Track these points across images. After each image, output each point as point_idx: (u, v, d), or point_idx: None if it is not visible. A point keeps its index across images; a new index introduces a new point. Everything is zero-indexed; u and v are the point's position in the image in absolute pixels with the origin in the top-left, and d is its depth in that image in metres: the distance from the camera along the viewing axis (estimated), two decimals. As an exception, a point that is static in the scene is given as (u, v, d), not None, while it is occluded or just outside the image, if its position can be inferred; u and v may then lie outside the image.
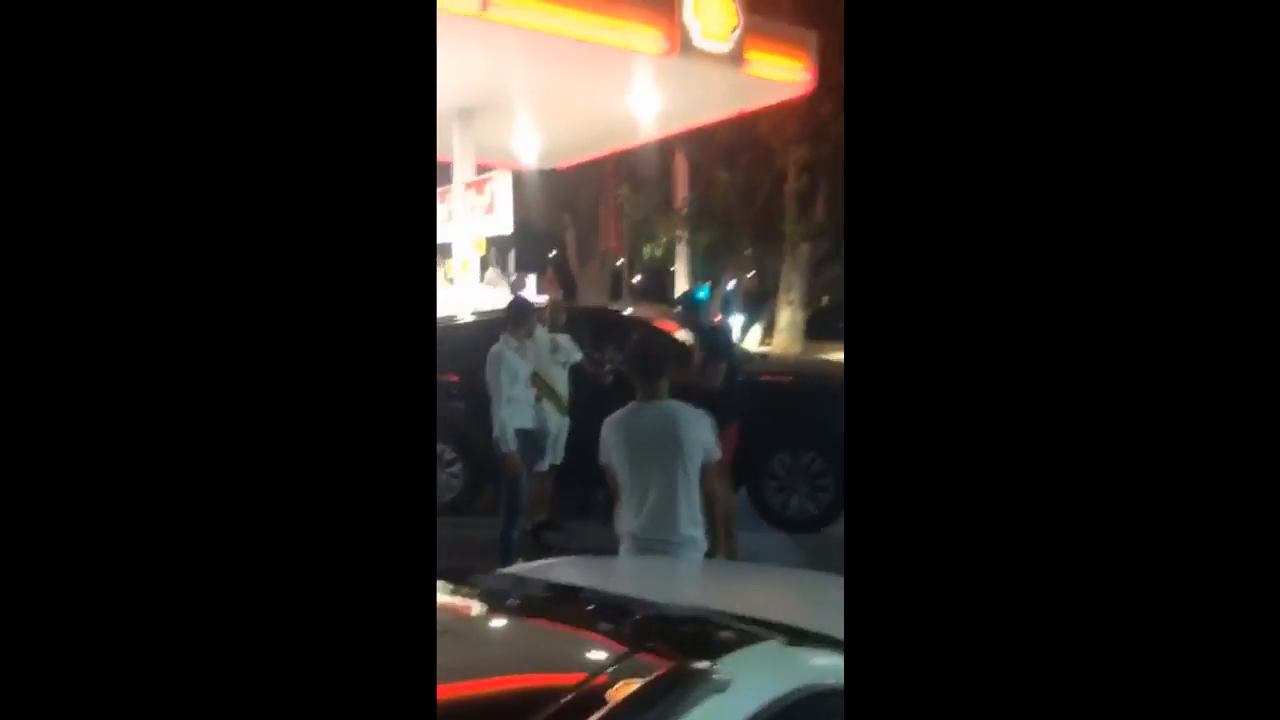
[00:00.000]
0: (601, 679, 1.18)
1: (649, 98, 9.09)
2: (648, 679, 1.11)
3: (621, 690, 1.09)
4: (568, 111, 9.58)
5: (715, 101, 9.20)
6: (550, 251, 15.05)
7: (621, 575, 2.52)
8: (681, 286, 13.23)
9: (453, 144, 9.12)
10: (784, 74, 8.42)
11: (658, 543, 2.55)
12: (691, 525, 2.58)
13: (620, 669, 1.22)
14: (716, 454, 2.63)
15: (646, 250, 13.39)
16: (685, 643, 1.42)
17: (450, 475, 5.43)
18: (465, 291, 8.96)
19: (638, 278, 16.82)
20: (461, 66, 8.24)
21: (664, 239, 12.95)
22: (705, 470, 2.63)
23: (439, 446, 5.46)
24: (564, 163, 12.57)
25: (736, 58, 7.91)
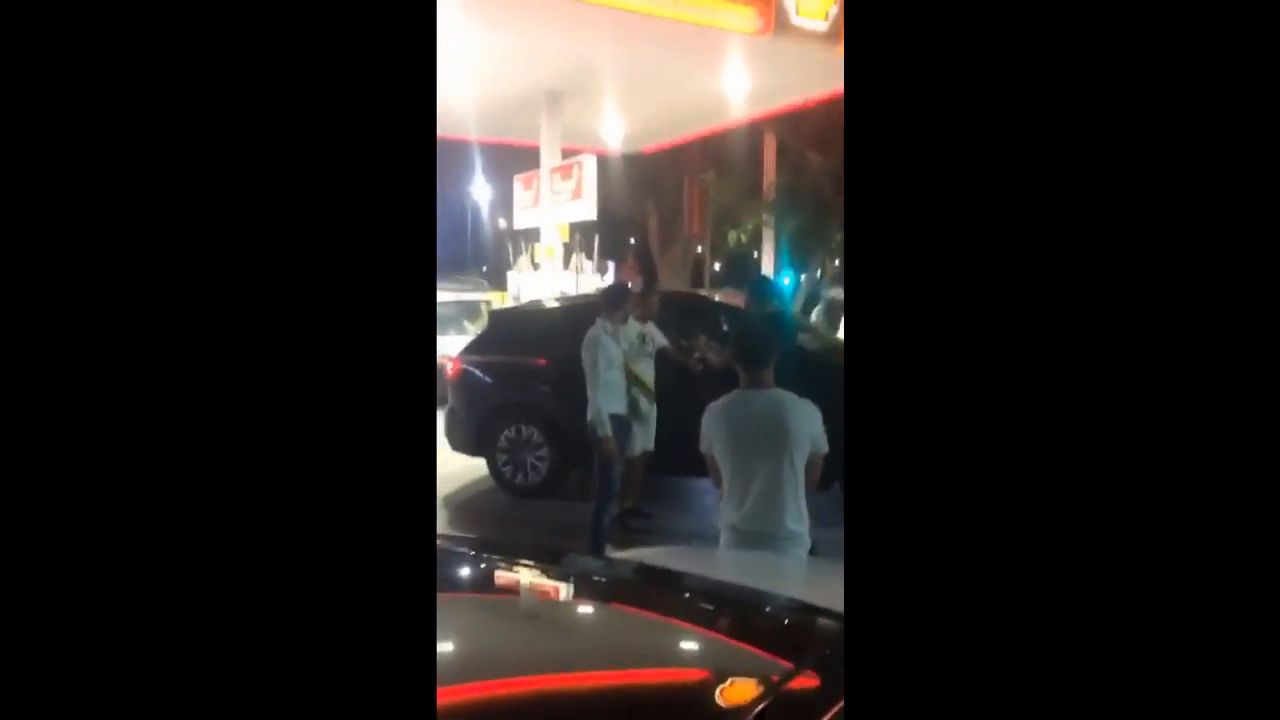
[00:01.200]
0: (734, 684, 1.08)
1: (740, 78, 8.87)
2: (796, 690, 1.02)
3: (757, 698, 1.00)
4: (656, 93, 9.46)
5: (809, 82, 8.91)
6: (631, 238, 14.96)
7: (726, 569, 2.39)
8: (767, 275, 12.97)
9: (539, 128, 9.16)
10: (882, 52, 8.04)
11: (760, 536, 2.42)
12: (797, 520, 2.44)
13: (755, 673, 1.12)
14: (825, 446, 2.47)
15: (731, 236, 13.14)
16: (815, 642, 1.31)
17: (537, 459, 5.41)
18: (550, 277, 8.98)
19: (718, 265, 16.60)
20: (550, 49, 8.23)
21: (749, 225, 12.68)
22: (812, 463, 2.47)
23: (528, 429, 5.46)
24: (649, 146, 12.46)
25: (834, 36, 7.60)
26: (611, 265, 11.44)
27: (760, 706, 0.96)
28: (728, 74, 8.75)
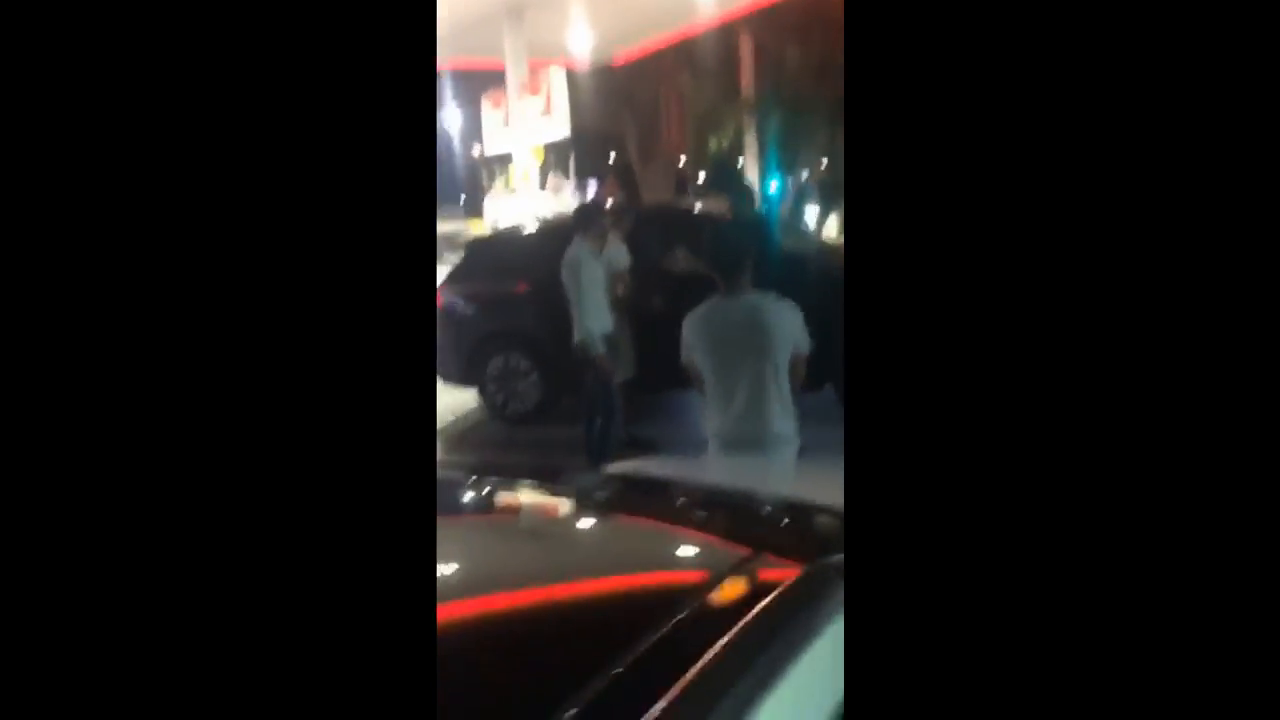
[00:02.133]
0: (731, 582, 1.09)
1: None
2: (790, 582, 1.04)
3: (754, 593, 1.02)
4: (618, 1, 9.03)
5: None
6: (610, 153, 14.55)
7: (717, 473, 2.38)
8: (752, 181, 12.68)
9: (503, 46, 8.76)
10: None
11: (748, 440, 2.38)
12: (784, 421, 2.40)
13: (748, 570, 1.13)
14: (808, 345, 2.41)
15: (712, 143, 12.77)
16: (812, 539, 1.31)
17: (530, 385, 5.38)
18: (528, 200, 8.75)
19: (702, 175, 16.27)
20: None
21: (730, 130, 12.31)
22: (795, 363, 2.42)
23: (515, 357, 5.41)
24: (620, 57, 11.98)
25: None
26: (592, 183, 11.16)
27: (760, 605, 0.97)
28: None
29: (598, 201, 4.86)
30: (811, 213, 11.59)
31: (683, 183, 14.31)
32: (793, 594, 1.02)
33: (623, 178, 11.56)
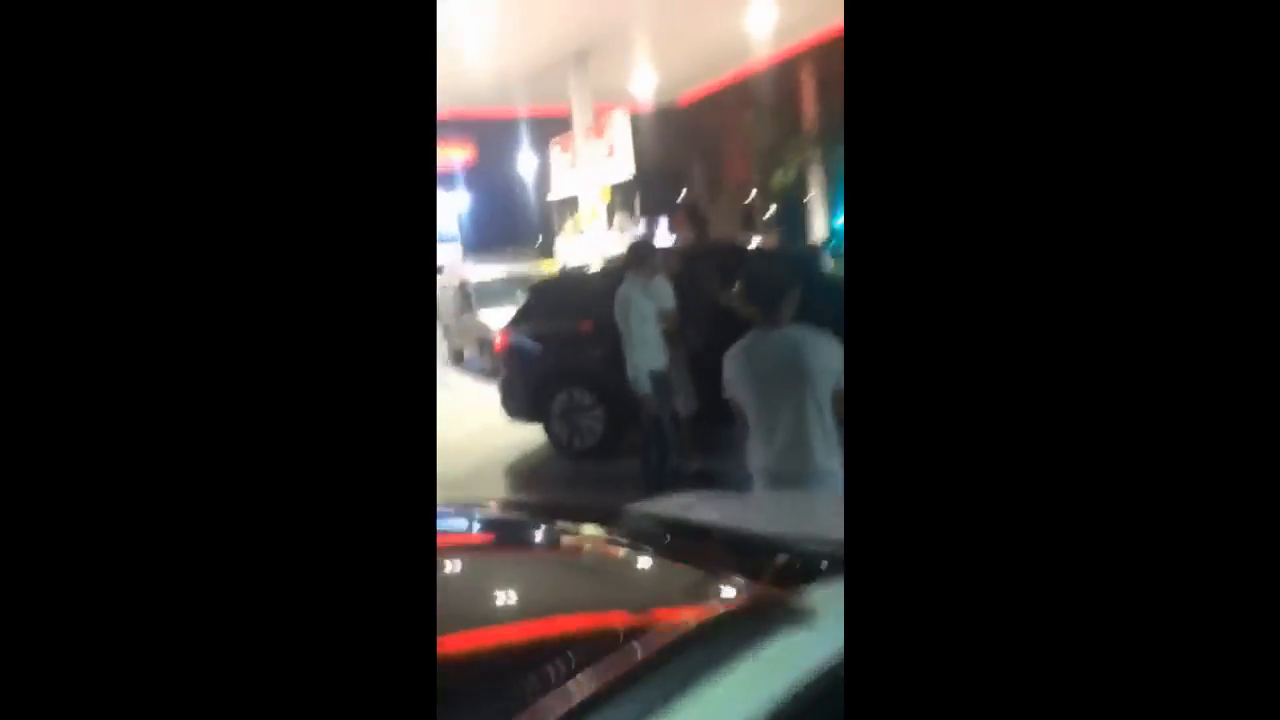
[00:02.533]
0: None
1: (762, 13, 8.60)
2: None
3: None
4: (680, 40, 9.24)
5: (831, 8, 8.52)
6: (680, 191, 14.77)
7: (754, 511, 2.41)
8: (819, 214, 12.66)
9: (569, 90, 9.08)
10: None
11: (792, 476, 2.41)
12: (827, 456, 2.42)
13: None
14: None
15: (776, 177, 12.83)
16: (774, 571, 1.31)
17: (594, 420, 5.49)
18: (596, 240, 8.98)
19: (772, 208, 16.28)
20: (571, 7, 8.13)
21: (793, 164, 12.34)
22: (838, 398, 2.45)
23: (579, 393, 5.54)
24: (684, 97, 12.22)
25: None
26: (661, 221, 11.33)
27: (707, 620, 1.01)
28: (751, 12, 8.49)
29: (648, 239, 4.96)
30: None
31: (749, 218, 14.39)
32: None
33: (692, 214, 11.70)
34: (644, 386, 4.11)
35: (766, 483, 2.48)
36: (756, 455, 2.50)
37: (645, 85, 10.53)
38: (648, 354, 4.15)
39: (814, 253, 5.55)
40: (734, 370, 2.50)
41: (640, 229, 8.97)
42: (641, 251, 4.37)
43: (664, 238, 7.72)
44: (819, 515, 2.36)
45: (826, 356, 2.40)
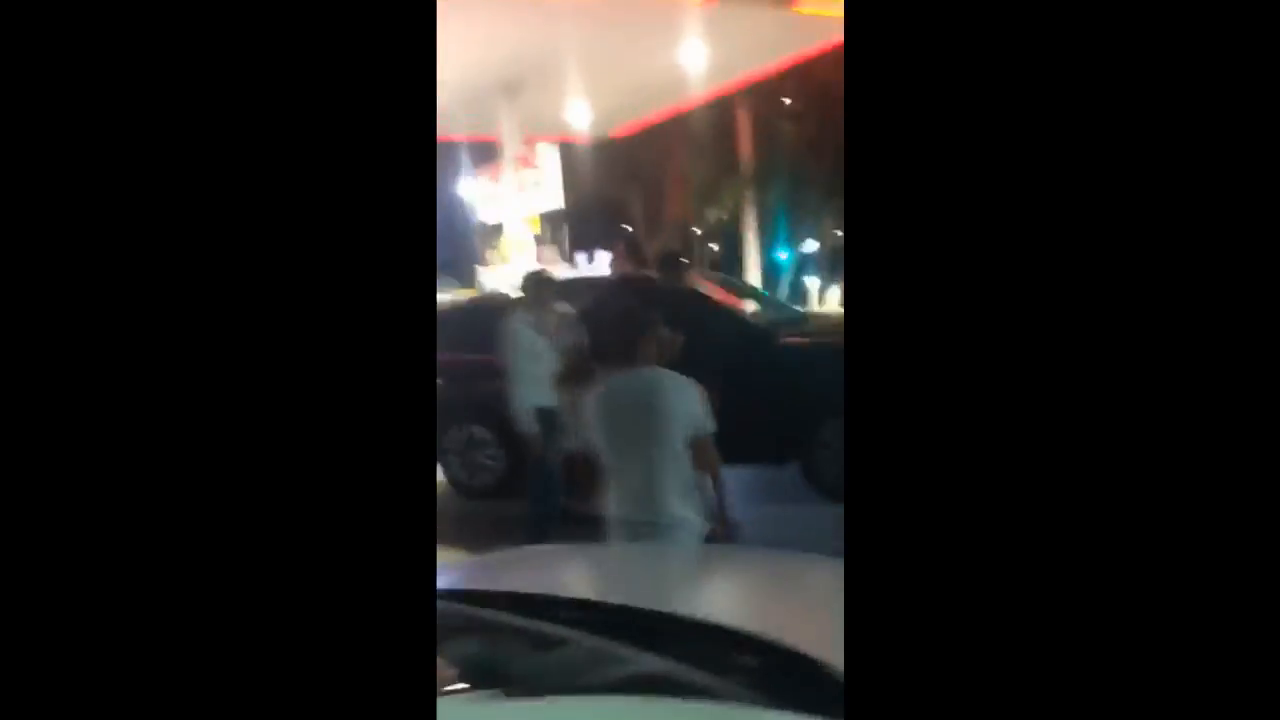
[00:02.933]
0: None
1: (696, 50, 8.61)
2: None
3: None
4: (614, 74, 9.21)
5: (767, 47, 8.64)
6: (618, 224, 14.69)
7: (610, 563, 2.20)
8: (752, 251, 12.68)
9: (500, 120, 8.96)
10: (837, 8, 7.75)
11: (644, 526, 2.22)
12: (682, 505, 2.23)
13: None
14: (709, 425, 2.27)
15: (712, 215, 12.87)
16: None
17: (488, 458, 5.24)
18: (520, 270, 8.78)
19: (712, 246, 16.32)
20: (500, 39, 8.03)
21: (729, 203, 12.39)
22: (698, 445, 2.27)
23: (479, 429, 5.30)
24: (620, 130, 12.21)
25: (782, -3, 7.32)
26: (598, 254, 11.22)
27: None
28: (683, 47, 8.50)
29: (543, 270, 4.77)
30: (812, 284, 11.50)
31: (683, 254, 14.39)
32: None
33: (630, 247, 11.61)
34: (529, 425, 3.89)
35: (619, 531, 2.29)
36: (610, 501, 2.31)
37: (579, 117, 10.48)
38: (533, 391, 3.94)
39: (733, 294, 5.46)
40: (592, 413, 2.33)
41: (565, 261, 8.81)
42: (534, 283, 4.18)
43: (601, 269, 7.54)
44: (673, 567, 2.17)
45: (681, 402, 2.23)
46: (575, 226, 10.78)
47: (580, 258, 9.05)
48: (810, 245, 13.68)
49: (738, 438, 4.53)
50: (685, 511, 2.24)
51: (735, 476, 4.91)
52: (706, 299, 4.97)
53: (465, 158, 10.33)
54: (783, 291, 12.26)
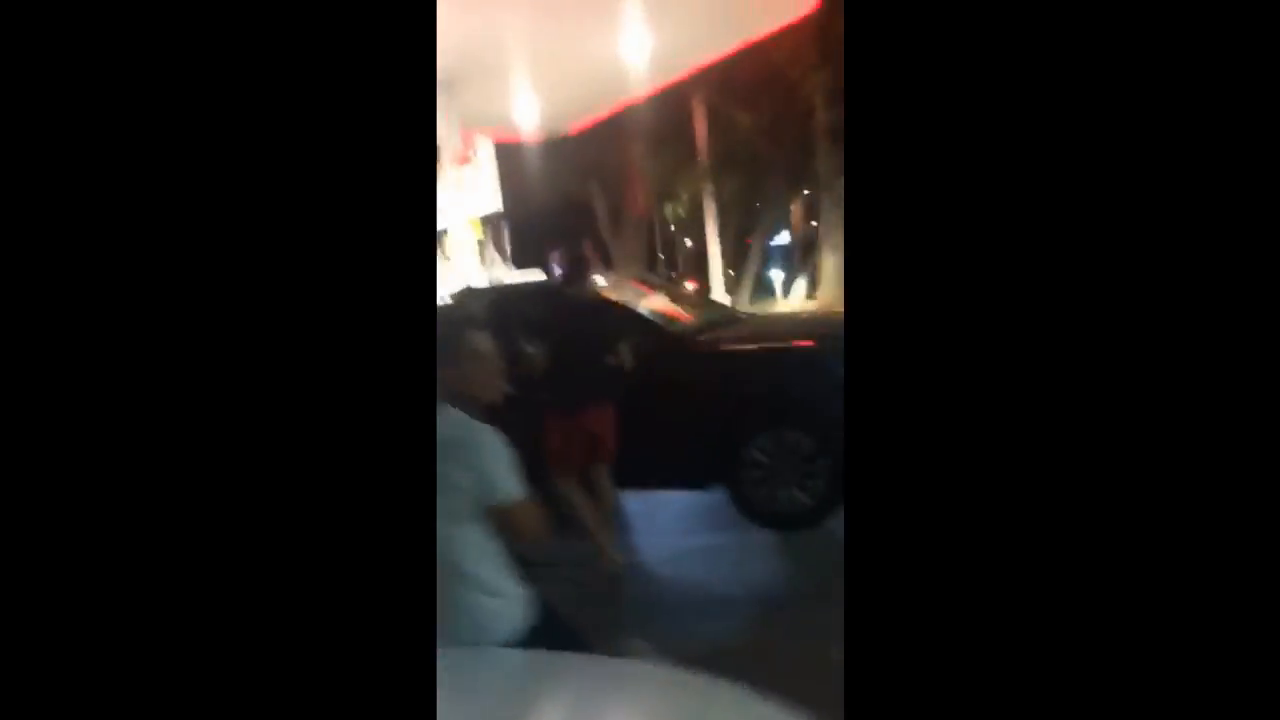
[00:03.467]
0: None
1: (644, 39, 8.22)
2: None
3: None
4: (561, 67, 8.83)
5: (718, 33, 8.28)
6: (569, 224, 14.26)
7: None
8: (714, 245, 12.29)
9: (439, 116, 8.55)
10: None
11: (450, 611, 1.75)
12: (489, 585, 1.79)
13: None
14: (514, 493, 1.80)
15: (669, 210, 12.47)
16: None
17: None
18: (462, 273, 8.39)
19: (677, 241, 15.91)
20: (439, 33, 7.61)
21: (685, 196, 12.00)
22: (511, 513, 1.81)
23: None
24: (574, 126, 11.79)
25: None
26: (552, 256, 10.83)
27: None
28: (631, 36, 8.10)
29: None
30: (777, 276, 11.12)
31: (651, 251, 14.00)
32: None
33: (592, 246, 11.22)
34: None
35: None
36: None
37: (529, 114, 10.05)
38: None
39: (672, 295, 5.08)
40: None
41: (506, 263, 8.38)
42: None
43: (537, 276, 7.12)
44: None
45: (478, 458, 1.76)
46: (521, 229, 10.36)
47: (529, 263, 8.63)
48: (779, 237, 13.32)
49: (649, 461, 4.13)
50: (495, 590, 1.80)
51: (663, 503, 4.58)
52: (611, 306, 4.49)
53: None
54: (746, 287, 11.90)
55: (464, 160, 8.38)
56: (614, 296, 4.76)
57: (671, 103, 11.12)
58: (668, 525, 4.43)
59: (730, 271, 12.42)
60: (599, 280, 4.03)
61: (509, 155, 9.39)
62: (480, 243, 8.73)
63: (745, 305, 11.57)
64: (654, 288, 4.82)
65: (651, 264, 13.02)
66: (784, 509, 4.07)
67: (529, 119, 10.12)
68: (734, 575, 3.73)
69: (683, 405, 4.08)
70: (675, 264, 12.31)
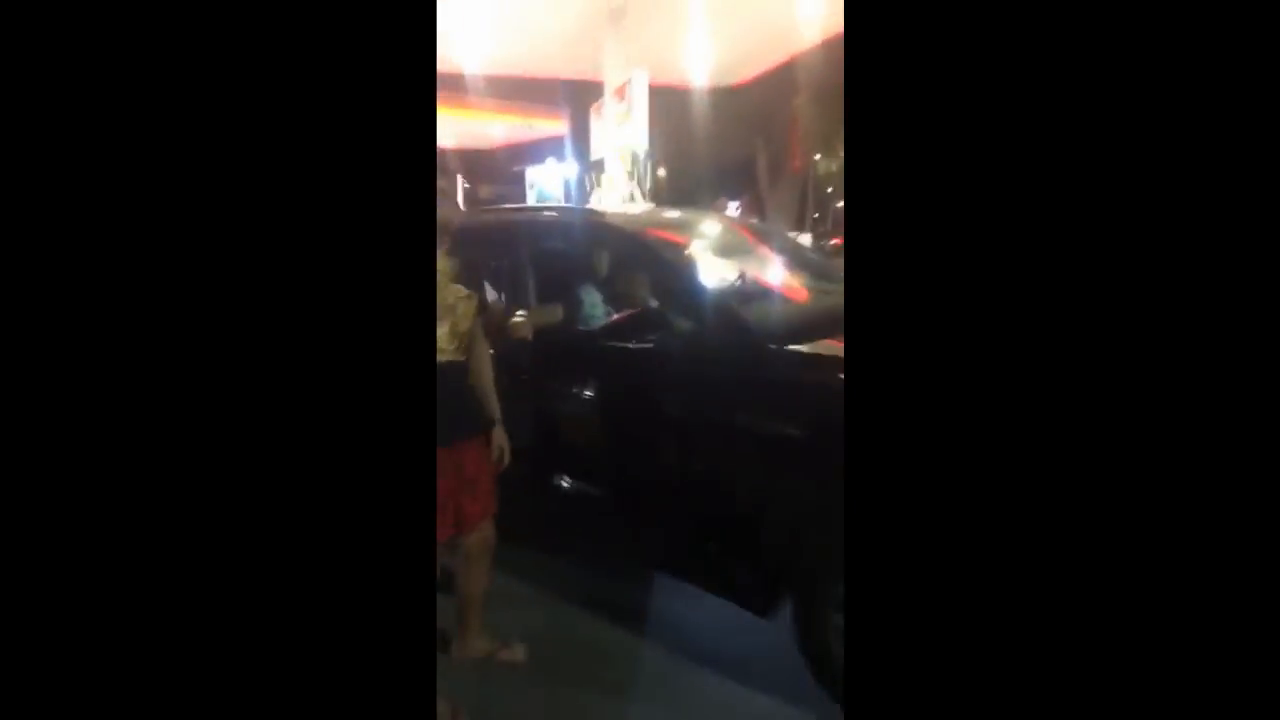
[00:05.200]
0: None
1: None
2: None
3: None
4: (733, 15, 9.05)
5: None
6: (733, 172, 14.48)
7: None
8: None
9: (603, 54, 9.05)
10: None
11: None
12: None
13: None
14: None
15: (821, 166, 12.43)
16: None
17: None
18: (608, 203, 8.96)
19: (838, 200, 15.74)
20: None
21: (841, 153, 11.92)
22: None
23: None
24: (742, 78, 11.93)
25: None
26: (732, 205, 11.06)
27: None
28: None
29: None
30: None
31: (804, 207, 14.00)
32: None
33: (749, 200, 11.39)
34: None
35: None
36: None
37: (698, 60, 10.36)
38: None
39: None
40: None
41: (647, 199, 8.86)
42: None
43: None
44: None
45: None
46: (674, 171, 10.73)
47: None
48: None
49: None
50: None
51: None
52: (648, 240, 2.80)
53: (583, 95, 10.57)
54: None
55: (620, 95, 8.92)
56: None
57: (836, 56, 11.08)
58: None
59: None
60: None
61: (666, 97, 9.79)
62: (629, 174, 9.29)
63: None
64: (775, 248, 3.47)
65: (802, 221, 13.12)
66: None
67: (695, 64, 10.43)
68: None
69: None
70: (827, 221, 12.33)
